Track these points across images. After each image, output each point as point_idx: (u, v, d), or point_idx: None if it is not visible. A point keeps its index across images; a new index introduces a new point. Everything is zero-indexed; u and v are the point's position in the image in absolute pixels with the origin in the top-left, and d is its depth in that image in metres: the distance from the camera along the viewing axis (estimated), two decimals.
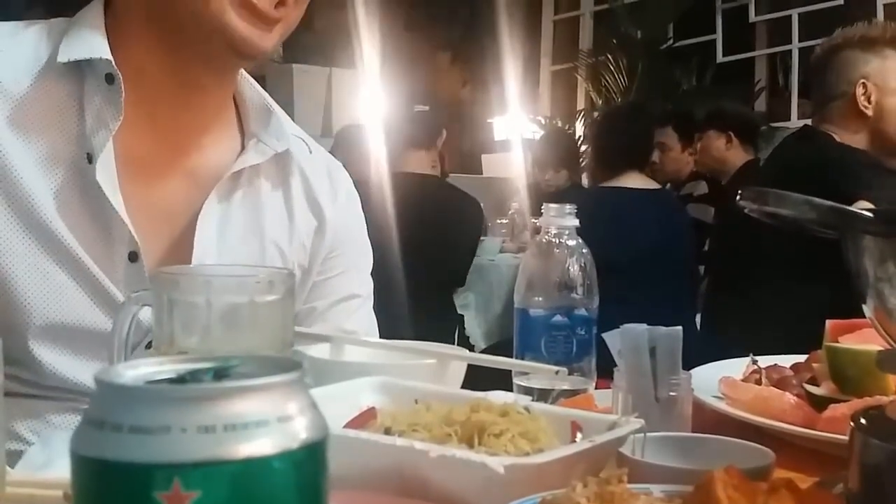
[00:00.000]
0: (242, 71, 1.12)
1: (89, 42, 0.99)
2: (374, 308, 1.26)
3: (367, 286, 1.25)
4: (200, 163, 1.08)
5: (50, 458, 0.76)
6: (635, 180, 3.13)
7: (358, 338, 1.09)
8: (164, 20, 1.00)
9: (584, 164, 5.19)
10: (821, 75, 2.30)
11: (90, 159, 0.97)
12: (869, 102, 2.19)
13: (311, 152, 1.17)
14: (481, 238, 3.72)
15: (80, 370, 0.99)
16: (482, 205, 3.52)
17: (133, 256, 1.00)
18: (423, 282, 2.97)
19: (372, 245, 1.28)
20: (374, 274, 1.27)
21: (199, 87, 1.06)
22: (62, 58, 0.98)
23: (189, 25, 0.98)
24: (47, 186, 0.97)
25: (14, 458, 0.79)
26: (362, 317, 1.23)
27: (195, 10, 0.97)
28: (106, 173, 0.98)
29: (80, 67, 0.99)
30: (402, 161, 3.17)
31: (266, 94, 1.15)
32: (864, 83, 2.19)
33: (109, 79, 0.98)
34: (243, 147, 1.11)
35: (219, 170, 1.07)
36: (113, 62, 0.98)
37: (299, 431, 0.36)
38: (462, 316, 3.65)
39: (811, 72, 2.42)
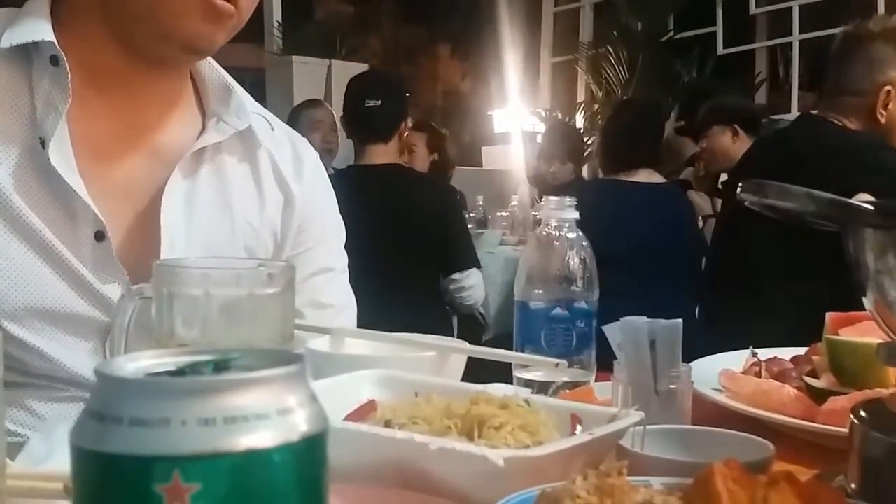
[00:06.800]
0: None
1: (32, 27, 0.98)
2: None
3: (340, 259, 1.25)
4: (161, 140, 1.07)
5: (51, 450, 0.76)
6: (642, 175, 3.12)
7: (358, 330, 1.09)
8: (117, 17, 1.00)
9: (586, 155, 5.18)
10: (844, 65, 2.14)
11: (43, 144, 0.97)
12: (885, 110, 2.09)
13: (273, 129, 1.17)
14: (463, 212, 3.56)
15: (58, 354, 0.98)
16: (481, 197, 3.46)
17: (99, 236, 0.99)
18: (405, 271, 2.97)
19: (350, 240, 1.27)
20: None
21: (151, 75, 1.05)
22: (4, 43, 0.97)
23: (143, 25, 0.98)
24: (5, 171, 0.97)
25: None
26: (336, 289, 1.23)
27: (149, 12, 0.97)
28: (61, 156, 0.97)
29: (27, 52, 0.99)
30: (363, 157, 3.17)
31: (225, 73, 1.13)
32: (888, 90, 2.08)
33: (54, 60, 0.98)
34: (204, 126, 1.10)
35: (180, 148, 1.07)
36: (56, 44, 0.97)
37: (299, 424, 0.36)
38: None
39: (833, 57, 2.21)
